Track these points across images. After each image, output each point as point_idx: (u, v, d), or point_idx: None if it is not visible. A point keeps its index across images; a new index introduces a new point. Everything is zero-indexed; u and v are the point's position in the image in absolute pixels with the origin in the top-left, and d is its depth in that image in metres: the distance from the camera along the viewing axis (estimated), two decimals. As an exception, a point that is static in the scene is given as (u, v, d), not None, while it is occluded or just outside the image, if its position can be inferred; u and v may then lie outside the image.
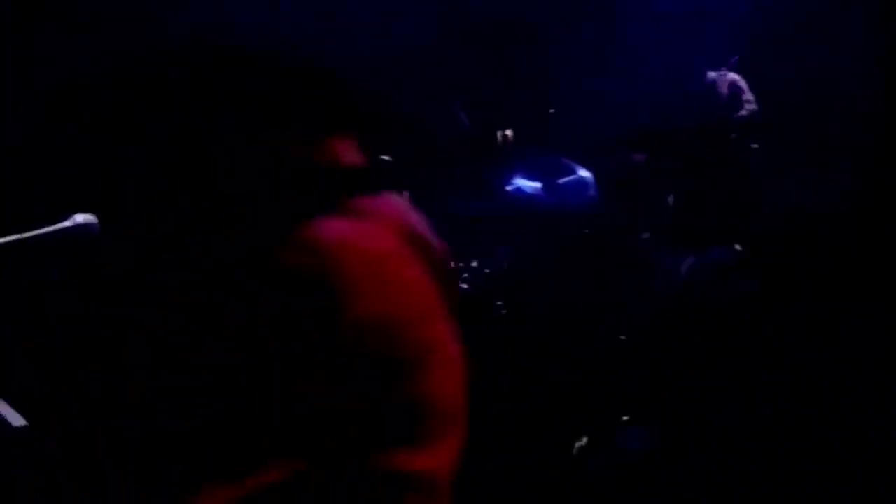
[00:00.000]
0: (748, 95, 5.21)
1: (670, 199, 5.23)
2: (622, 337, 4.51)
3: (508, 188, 5.33)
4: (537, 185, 5.34)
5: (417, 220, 1.25)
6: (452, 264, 1.38)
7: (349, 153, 1.23)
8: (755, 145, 5.20)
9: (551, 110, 5.39)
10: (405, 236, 1.20)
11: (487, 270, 4.91)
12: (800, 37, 5.38)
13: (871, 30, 5.18)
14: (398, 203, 1.26)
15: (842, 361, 4.03)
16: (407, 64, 5.66)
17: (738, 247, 4.86)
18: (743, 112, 5.17)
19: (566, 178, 5.33)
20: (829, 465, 3.53)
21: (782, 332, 4.28)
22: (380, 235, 1.18)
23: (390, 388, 1.10)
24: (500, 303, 4.91)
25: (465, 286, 4.99)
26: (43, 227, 2.21)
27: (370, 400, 1.09)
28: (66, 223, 2.21)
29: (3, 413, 2.69)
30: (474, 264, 5.04)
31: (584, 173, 5.31)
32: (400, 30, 5.70)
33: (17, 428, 2.72)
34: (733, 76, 5.27)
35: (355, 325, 1.08)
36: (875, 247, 4.51)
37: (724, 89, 5.24)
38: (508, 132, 5.24)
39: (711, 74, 5.30)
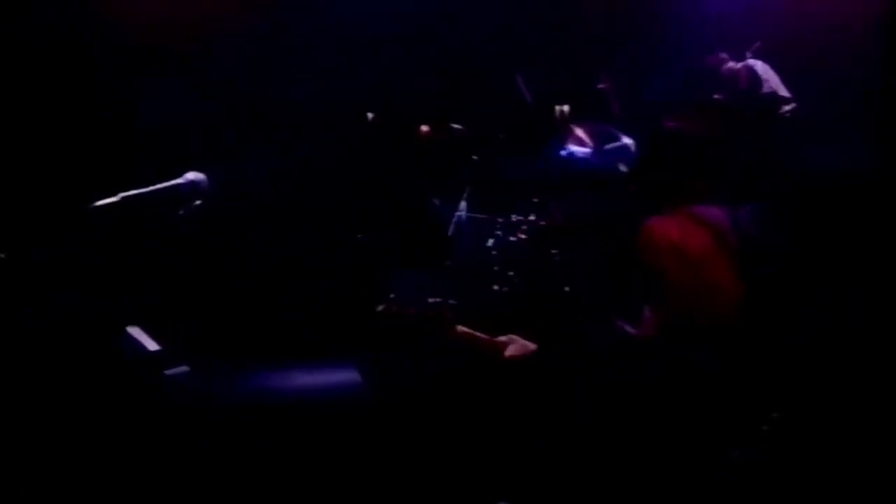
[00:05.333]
0: (769, 76, 5.76)
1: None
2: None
3: (562, 153, 6.13)
4: (587, 150, 6.13)
5: (715, 216, 4.35)
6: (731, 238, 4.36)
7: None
8: (782, 118, 5.77)
9: (601, 86, 6.11)
10: (698, 225, 4.19)
11: (543, 223, 5.74)
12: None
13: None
14: (707, 209, 4.41)
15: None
16: (476, 41, 6.43)
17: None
18: (763, 91, 5.72)
19: (612, 145, 6.13)
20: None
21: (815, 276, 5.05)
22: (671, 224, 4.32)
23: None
24: (554, 251, 5.85)
25: (523, 236, 5.92)
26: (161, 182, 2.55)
27: None
28: (180, 180, 2.62)
29: (139, 338, 3.19)
30: (532, 218, 5.89)
31: (627, 140, 6.08)
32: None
33: (151, 352, 3.53)
34: (755, 61, 5.81)
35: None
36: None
37: (745, 72, 5.80)
38: (566, 108, 6.01)
39: (740, 62, 5.84)
